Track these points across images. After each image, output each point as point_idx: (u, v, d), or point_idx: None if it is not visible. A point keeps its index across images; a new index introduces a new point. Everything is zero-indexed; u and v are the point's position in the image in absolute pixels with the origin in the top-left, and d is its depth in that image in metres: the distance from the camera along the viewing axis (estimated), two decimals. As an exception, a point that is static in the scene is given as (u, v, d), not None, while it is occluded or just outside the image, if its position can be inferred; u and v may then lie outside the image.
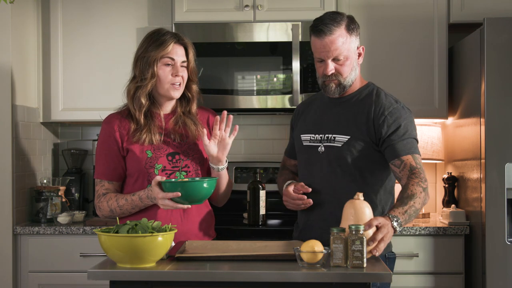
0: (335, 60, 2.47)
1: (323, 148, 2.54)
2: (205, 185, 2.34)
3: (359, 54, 2.54)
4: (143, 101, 2.50)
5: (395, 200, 2.59)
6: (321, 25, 2.45)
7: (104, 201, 2.50)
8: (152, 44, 2.49)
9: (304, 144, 2.61)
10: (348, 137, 2.50)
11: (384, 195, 2.54)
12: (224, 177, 2.60)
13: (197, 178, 2.44)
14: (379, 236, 2.12)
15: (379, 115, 2.47)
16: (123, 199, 2.47)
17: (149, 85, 2.49)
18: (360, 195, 2.19)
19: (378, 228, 2.14)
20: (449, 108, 3.42)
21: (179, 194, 2.30)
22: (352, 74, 2.51)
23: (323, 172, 2.54)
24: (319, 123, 2.59)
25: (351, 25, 2.49)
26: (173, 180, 2.38)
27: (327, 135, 2.54)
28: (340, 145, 2.50)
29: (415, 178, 2.38)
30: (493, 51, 2.94)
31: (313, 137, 2.58)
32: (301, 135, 2.63)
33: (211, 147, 2.51)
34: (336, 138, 2.52)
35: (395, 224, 2.20)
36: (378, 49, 3.42)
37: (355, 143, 2.49)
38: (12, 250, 3.16)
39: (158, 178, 2.34)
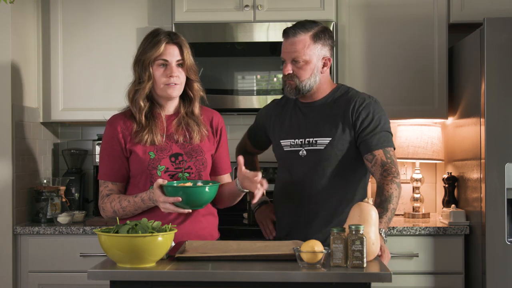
0: (294, 62, 2.54)
1: (304, 152, 2.60)
2: (206, 190, 2.33)
3: (324, 64, 2.58)
4: (142, 103, 2.49)
5: (369, 196, 2.66)
6: (291, 28, 2.55)
7: (107, 202, 2.50)
8: (147, 46, 2.49)
9: (285, 149, 2.67)
10: (330, 139, 2.56)
11: (361, 190, 2.62)
12: (241, 194, 2.58)
13: (199, 183, 2.43)
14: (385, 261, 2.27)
15: (354, 111, 2.55)
16: (126, 200, 2.47)
17: (147, 87, 2.48)
18: (370, 200, 2.22)
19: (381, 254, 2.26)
20: (449, 108, 3.41)
21: (180, 199, 2.30)
22: (311, 80, 2.56)
23: (306, 175, 2.59)
24: (298, 128, 2.64)
25: (320, 34, 2.55)
26: (175, 184, 2.36)
27: (307, 139, 2.60)
28: (322, 148, 2.57)
29: (388, 176, 2.46)
30: (493, 51, 2.94)
31: (293, 142, 2.64)
32: (281, 141, 2.68)
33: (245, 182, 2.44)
34: (318, 141, 2.58)
35: (384, 238, 2.35)
36: (378, 49, 3.42)
37: (337, 143, 2.55)
38: (12, 250, 3.15)
39: (160, 181, 2.33)
